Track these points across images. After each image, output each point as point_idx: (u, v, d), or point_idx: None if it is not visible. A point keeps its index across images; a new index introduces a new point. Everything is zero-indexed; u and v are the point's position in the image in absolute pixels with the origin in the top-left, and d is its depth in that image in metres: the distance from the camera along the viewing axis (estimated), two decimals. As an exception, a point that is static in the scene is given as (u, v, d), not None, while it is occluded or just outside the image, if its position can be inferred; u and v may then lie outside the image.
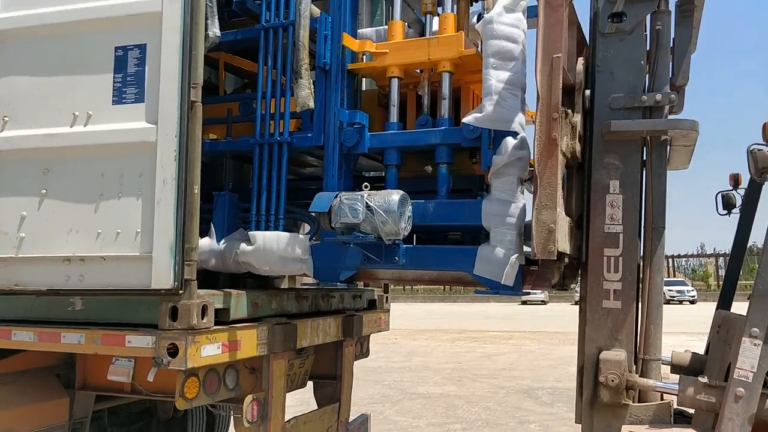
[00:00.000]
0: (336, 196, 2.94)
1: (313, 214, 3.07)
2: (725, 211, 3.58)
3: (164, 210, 2.63)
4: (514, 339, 16.89)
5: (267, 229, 3.25)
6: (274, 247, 3.18)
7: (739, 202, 3.57)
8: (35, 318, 2.94)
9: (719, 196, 3.59)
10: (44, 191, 2.86)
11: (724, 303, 3.69)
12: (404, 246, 3.08)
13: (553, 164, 2.73)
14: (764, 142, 2.75)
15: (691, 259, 43.57)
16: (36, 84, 2.94)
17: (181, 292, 2.59)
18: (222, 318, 2.87)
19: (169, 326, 2.59)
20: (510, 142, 2.89)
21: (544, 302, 32.88)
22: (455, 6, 3.48)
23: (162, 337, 2.60)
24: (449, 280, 3.25)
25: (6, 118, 2.96)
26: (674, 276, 40.18)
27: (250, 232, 3.25)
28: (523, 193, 3.02)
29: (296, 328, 3.25)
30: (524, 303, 31.56)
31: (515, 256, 2.89)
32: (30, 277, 2.85)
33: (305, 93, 3.04)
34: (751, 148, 2.77)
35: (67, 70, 2.89)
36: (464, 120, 2.95)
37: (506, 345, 15.59)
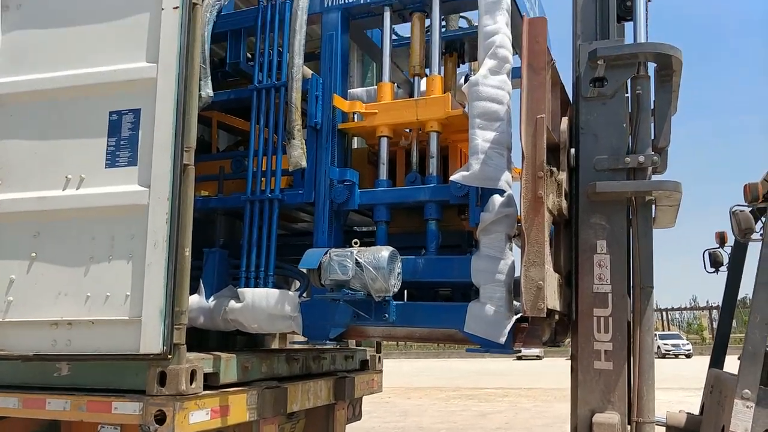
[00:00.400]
0: (326, 253, 2.95)
1: (304, 270, 3.07)
2: (713, 269, 3.61)
3: (155, 273, 2.62)
4: (509, 396, 16.54)
5: (257, 286, 3.24)
6: (263, 304, 3.15)
7: (726, 259, 3.60)
8: (19, 383, 2.87)
9: (706, 254, 3.63)
10: (34, 254, 2.85)
11: (716, 361, 3.66)
12: (394, 303, 3.06)
13: (540, 221, 2.77)
14: (746, 204, 2.81)
15: (684, 312, 43.35)
16: (30, 147, 2.97)
17: (170, 356, 2.55)
18: (211, 382, 2.81)
19: (157, 392, 2.53)
20: (497, 199, 2.93)
21: (539, 357, 32.39)
22: (442, 68, 3.60)
23: (149, 403, 2.54)
24: (440, 337, 3.22)
25: None
26: (668, 329, 39.85)
27: (239, 289, 3.23)
28: (511, 249, 3.04)
29: (287, 391, 3.18)
30: (519, 358, 31.05)
31: (509, 316, 2.87)
32: (16, 342, 2.81)
33: (298, 153, 3.10)
34: (733, 210, 2.83)
35: (61, 134, 2.93)
36: (452, 178, 3.00)
37: (502, 403, 15.25)
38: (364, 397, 4.49)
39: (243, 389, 2.95)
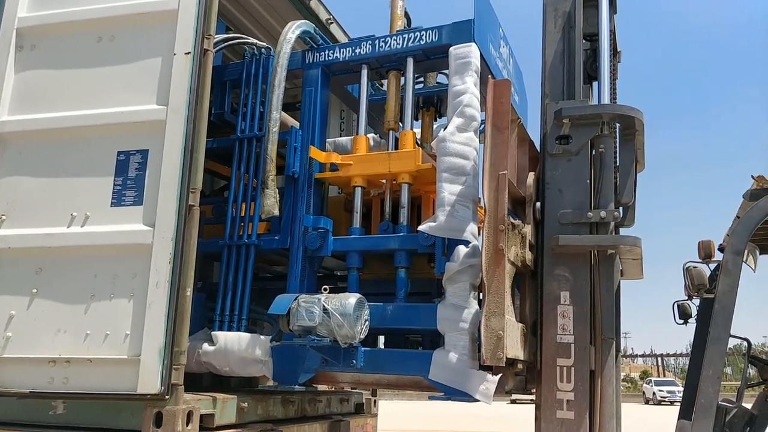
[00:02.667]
0: (295, 299, 3.03)
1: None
2: (682, 321, 3.69)
3: (155, 312, 2.63)
4: (502, 441, 16.23)
5: (230, 329, 3.31)
6: (235, 348, 3.22)
7: (694, 311, 3.69)
8: (13, 420, 2.85)
9: (675, 305, 3.71)
10: (35, 290, 2.86)
11: (686, 412, 3.70)
12: (362, 349, 3.13)
13: (501, 273, 2.87)
14: (699, 260, 2.92)
15: (680, 357, 42.84)
16: (37, 184, 3.02)
17: (167, 397, 2.55)
18: (207, 424, 2.80)
19: None
20: (462, 250, 3.04)
21: (533, 401, 31.88)
22: (420, 121, 3.76)
23: None
24: (407, 384, 3.28)
25: (3, 217, 3.01)
26: (664, 376, 39.28)
27: (213, 332, 3.30)
28: (476, 299, 3.13)
29: (282, 434, 3.14)
30: (513, 402, 30.58)
31: (472, 364, 2.94)
32: (13, 378, 2.79)
33: (270, 202, 3.23)
34: (686, 266, 2.93)
35: (68, 172, 2.99)
36: (419, 228, 3.12)
37: (495, 447, 14.93)
38: (359, 441, 4.45)
39: (238, 432, 2.93)
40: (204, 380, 3.47)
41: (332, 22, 4.68)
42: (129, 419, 2.67)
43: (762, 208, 2.74)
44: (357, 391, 4.51)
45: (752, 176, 2.79)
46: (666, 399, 31.73)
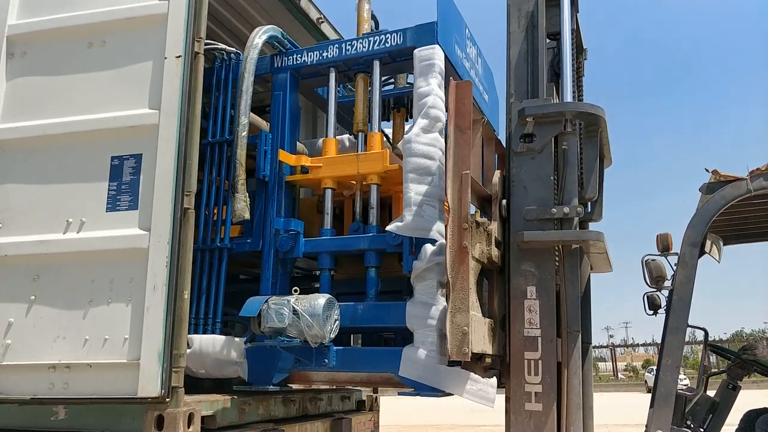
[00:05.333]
0: (266, 301, 3.10)
1: (250, 317, 3.20)
2: (651, 312, 3.76)
3: (153, 316, 2.66)
4: (503, 434, 16.26)
5: (205, 332, 3.38)
6: (209, 350, 3.28)
7: (663, 302, 3.76)
8: (15, 427, 2.87)
9: (645, 297, 3.78)
10: (33, 297, 2.89)
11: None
12: (334, 348, 3.20)
13: (465, 270, 2.93)
14: (658, 253, 2.98)
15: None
16: (32, 191, 3.03)
17: (167, 399, 2.57)
18: (208, 425, 2.83)
19: None
20: (429, 248, 3.10)
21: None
22: (392, 121, 3.82)
23: None
24: (379, 381, 3.35)
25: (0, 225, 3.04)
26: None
27: (188, 336, 3.36)
28: (444, 296, 3.19)
29: (284, 434, 3.17)
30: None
31: (441, 360, 3.00)
32: (14, 385, 2.81)
33: (241, 206, 3.28)
34: (645, 259, 2.99)
35: (62, 179, 2.99)
36: (387, 228, 3.18)
37: (494, 441, 14.99)
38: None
39: (240, 432, 2.95)
40: (205, 381, 3.49)
41: (323, 21, 4.73)
42: (130, 423, 2.69)
43: (717, 201, 2.80)
44: (358, 388, 4.52)
45: (706, 169, 2.85)
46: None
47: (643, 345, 46.00)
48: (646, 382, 30.46)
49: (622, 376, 35.25)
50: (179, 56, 2.90)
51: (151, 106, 2.93)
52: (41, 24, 3.25)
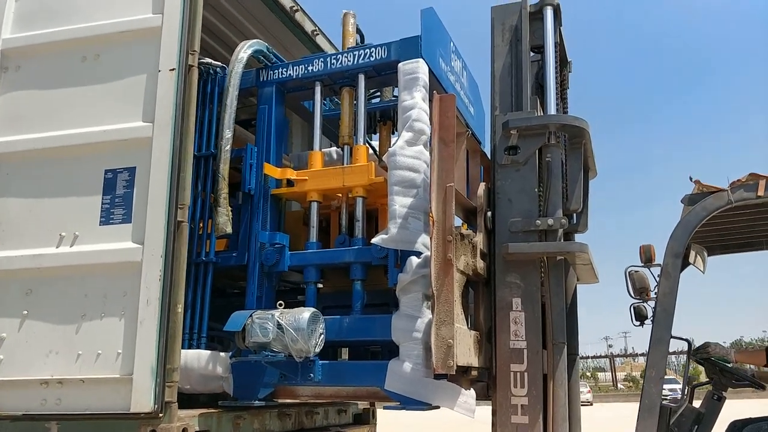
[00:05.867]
0: (250, 315, 3.09)
1: (237, 332, 3.18)
2: (638, 323, 3.76)
3: (147, 330, 2.65)
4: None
5: (190, 347, 3.35)
6: (195, 365, 3.26)
7: (650, 313, 3.76)
8: None
9: (631, 308, 3.78)
10: (26, 312, 2.87)
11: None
12: (320, 362, 3.18)
13: (450, 282, 2.93)
14: (641, 264, 2.98)
15: (681, 355, 42.84)
16: (26, 205, 3.02)
17: (161, 415, 2.56)
18: None
19: None
20: (414, 261, 3.10)
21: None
22: (378, 134, 3.83)
23: None
24: (365, 395, 3.33)
25: None
26: (665, 373, 39.30)
27: (174, 350, 3.34)
28: (429, 308, 3.19)
29: (279, 448, 3.14)
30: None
31: (427, 373, 2.99)
32: (5, 401, 2.80)
33: (223, 219, 3.28)
34: (628, 270, 3.00)
35: (56, 192, 2.99)
36: (372, 241, 3.18)
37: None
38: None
39: (235, 448, 2.91)
40: (201, 395, 3.46)
41: (318, 34, 4.76)
42: None
43: (698, 212, 2.81)
44: (354, 401, 4.46)
45: (690, 178, 2.87)
46: (667, 397, 31.69)
47: (643, 355, 45.87)
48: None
49: (622, 386, 35.10)
50: (173, 69, 2.92)
51: (145, 119, 2.94)
52: (35, 38, 3.27)
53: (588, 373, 38.65)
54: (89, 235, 2.88)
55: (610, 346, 55.30)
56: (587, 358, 39.37)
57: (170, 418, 2.59)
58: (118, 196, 2.88)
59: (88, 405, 2.69)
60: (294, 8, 4.44)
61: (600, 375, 39.28)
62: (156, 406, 2.57)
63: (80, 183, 2.97)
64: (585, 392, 30.88)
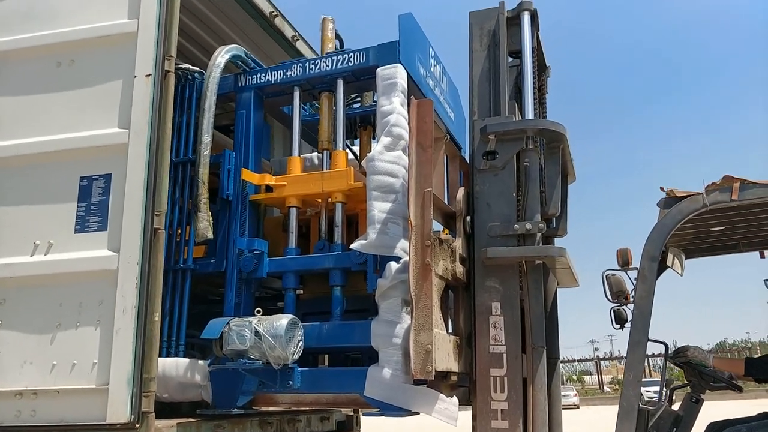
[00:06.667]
0: (227, 323, 3.06)
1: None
2: (618, 326, 3.77)
3: (123, 339, 2.61)
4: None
5: (168, 355, 3.31)
6: (173, 373, 3.22)
7: (630, 316, 3.77)
8: None
9: (612, 311, 3.80)
10: (0, 322, 2.82)
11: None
12: (299, 369, 3.16)
13: (428, 287, 2.92)
14: (619, 268, 3.00)
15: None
16: None
17: (137, 425, 2.52)
18: None
19: None
20: (393, 266, 3.09)
21: (576, 406, 31.94)
22: (359, 140, 3.83)
23: None
24: (345, 402, 3.31)
25: None
26: (650, 376, 39.58)
27: (151, 358, 3.29)
28: (409, 314, 3.17)
29: (260, 458, 3.09)
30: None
31: (406, 379, 2.97)
32: None
33: (203, 225, 3.25)
34: (605, 274, 3.01)
35: (30, 200, 2.95)
36: (351, 246, 3.17)
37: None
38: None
39: (215, 456, 2.86)
40: (183, 405, 3.41)
41: (298, 39, 4.76)
42: None
43: (674, 216, 2.83)
44: (338, 408, 4.42)
45: (661, 188, 2.89)
46: (653, 399, 31.87)
47: (628, 357, 46.18)
48: (642, 395, 30.42)
49: (608, 389, 35.28)
50: (149, 75, 2.90)
51: (121, 125, 2.91)
52: (9, 44, 3.23)
53: (575, 377, 38.80)
54: (64, 243, 2.84)
55: (596, 349, 55.62)
56: (573, 361, 39.54)
57: (147, 428, 2.56)
58: (93, 204, 2.85)
59: (63, 416, 2.65)
60: (273, 14, 4.43)
61: (586, 378, 39.45)
62: (132, 416, 2.53)
63: (55, 190, 2.93)
64: (572, 396, 31.11)
